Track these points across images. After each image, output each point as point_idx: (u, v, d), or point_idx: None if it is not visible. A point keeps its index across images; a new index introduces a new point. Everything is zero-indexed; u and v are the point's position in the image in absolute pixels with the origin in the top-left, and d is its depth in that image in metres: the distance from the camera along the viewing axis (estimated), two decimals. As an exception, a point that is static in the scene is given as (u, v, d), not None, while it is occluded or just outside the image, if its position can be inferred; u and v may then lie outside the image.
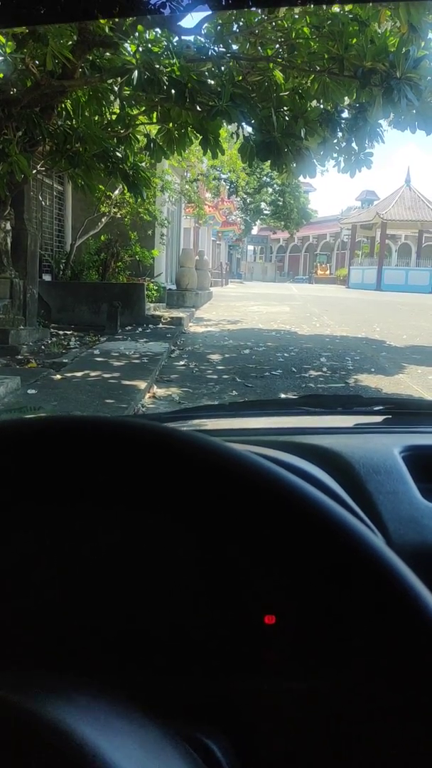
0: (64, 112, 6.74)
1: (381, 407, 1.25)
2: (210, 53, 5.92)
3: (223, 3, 0.67)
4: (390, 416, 1.18)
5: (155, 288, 13.06)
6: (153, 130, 7.06)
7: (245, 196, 38.86)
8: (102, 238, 12.28)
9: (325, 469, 0.77)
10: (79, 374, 5.94)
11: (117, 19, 5.13)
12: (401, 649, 0.45)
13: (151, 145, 6.91)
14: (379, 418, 1.16)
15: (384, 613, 0.45)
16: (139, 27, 5.72)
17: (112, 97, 6.74)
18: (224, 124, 6.25)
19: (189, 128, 6.40)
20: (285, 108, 6.26)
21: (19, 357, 6.71)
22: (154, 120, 6.61)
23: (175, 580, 0.53)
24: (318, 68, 5.84)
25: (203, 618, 0.52)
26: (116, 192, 11.27)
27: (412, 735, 0.44)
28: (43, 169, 8.37)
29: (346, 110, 6.31)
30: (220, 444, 0.52)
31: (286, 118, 6.23)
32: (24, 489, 0.55)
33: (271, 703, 0.49)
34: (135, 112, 6.86)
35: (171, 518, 0.53)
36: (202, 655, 0.52)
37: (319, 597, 0.49)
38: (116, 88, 6.48)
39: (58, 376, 5.78)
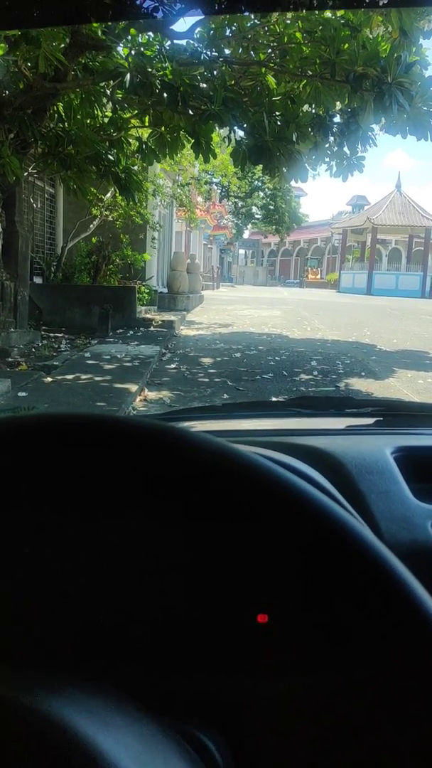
0: (56, 115, 6.73)
1: (372, 409, 1.26)
2: (202, 57, 5.94)
3: (216, 8, 0.68)
4: (381, 418, 1.18)
5: (147, 291, 13.05)
6: (145, 133, 7.06)
7: (237, 200, 38.89)
8: (93, 240, 12.27)
9: (318, 469, 0.77)
10: (70, 377, 5.93)
11: (110, 23, 5.14)
12: (399, 647, 0.45)
13: (143, 148, 6.92)
14: (370, 420, 1.17)
15: (382, 612, 0.46)
16: (132, 30, 5.73)
17: (104, 100, 6.74)
18: (216, 128, 6.26)
19: (181, 132, 6.41)
20: (277, 112, 6.28)
21: (10, 359, 6.69)
22: (147, 123, 6.61)
23: (171, 579, 0.53)
24: (310, 73, 5.86)
25: (199, 616, 0.52)
26: (108, 195, 11.26)
27: (410, 734, 0.44)
28: (35, 171, 8.36)
29: (337, 115, 6.33)
30: (226, 444, 0.52)
31: (278, 123, 6.25)
32: (23, 488, 0.55)
33: (267, 702, 0.49)
34: (127, 115, 6.87)
35: (170, 517, 0.53)
36: (197, 654, 0.52)
37: (316, 597, 0.49)
38: (109, 91, 6.48)
39: (49, 379, 5.76)
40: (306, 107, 6.30)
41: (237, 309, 16.21)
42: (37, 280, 10.90)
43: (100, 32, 5.62)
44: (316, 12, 5.45)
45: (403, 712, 0.45)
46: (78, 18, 0.83)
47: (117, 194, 9.11)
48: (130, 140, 7.33)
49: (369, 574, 0.47)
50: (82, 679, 0.43)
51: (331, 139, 6.31)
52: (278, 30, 6.00)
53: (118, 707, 0.41)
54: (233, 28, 6.05)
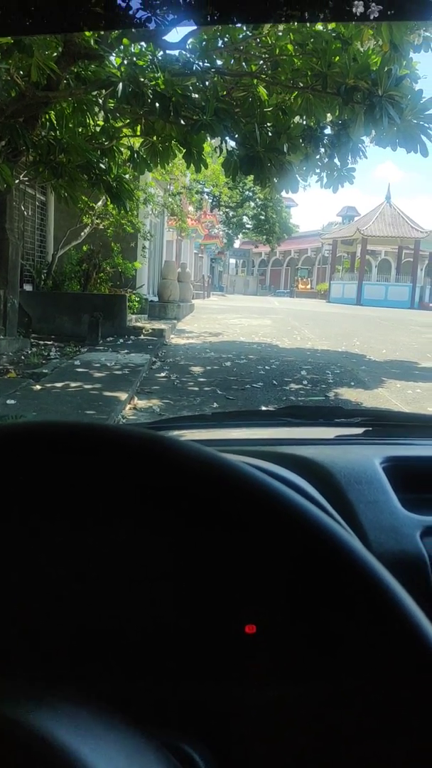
0: (48, 123, 6.73)
1: (361, 419, 1.26)
2: (195, 68, 5.96)
3: (208, 19, 0.69)
4: (370, 428, 1.18)
5: (137, 299, 13.05)
6: (137, 142, 7.08)
7: (228, 210, 39.05)
8: (84, 248, 12.27)
9: (307, 479, 0.77)
10: (59, 385, 5.91)
11: (102, 32, 5.17)
12: (388, 657, 0.45)
13: (135, 157, 6.93)
14: (359, 430, 1.17)
15: (370, 622, 0.46)
16: (125, 40, 5.75)
17: (96, 109, 6.75)
18: (208, 138, 6.28)
19: (173, 142, 6.43)
20: (268, 123, 6.32)
21: (-1, 367, 6.67)
22: (138, 133, 6.63)
23: (160, 587, 0.53)
24: (301, 85, 5.90)
25: (188, 625, 0.52)
26: (99, 203, 11.27)
27: (400, 743, 0.44)
28: (26, 179, 8.35)
29: (328, 127, 6.38)
30: (215, 454, 0.52)
31: (270, 134, 6.29)
32: (12, 495, 0.54)
33: (256, 710, 0.49)
34: (119, 124, 6.89)
35: (159, 526, 0.53)
36: (185, 662, 0.52)
37: (305, 606, 0.49)
38: (101, 101, 6.50)
39: (38, 387, 5.74)
40: (297, 119, 6.34)
41: (227, 318, 16.24)
42: (27, 287, 10.88)
43: (92, 41, 5.64)
44: (308, 24, 5.49)
45: (393, 721, 0.45)
46: (71, 27, 0.83)
47: (108, 203, 9.12)
48: (122, 149, 7.35)
49: (357, 584, 0.47)
50: (67, 691, 0.42)
51: (322, 150, 6.35)
52: (270, 42, 6.04)
53: (103, 719, 0.41)
54: (225, 39, 6.09)
